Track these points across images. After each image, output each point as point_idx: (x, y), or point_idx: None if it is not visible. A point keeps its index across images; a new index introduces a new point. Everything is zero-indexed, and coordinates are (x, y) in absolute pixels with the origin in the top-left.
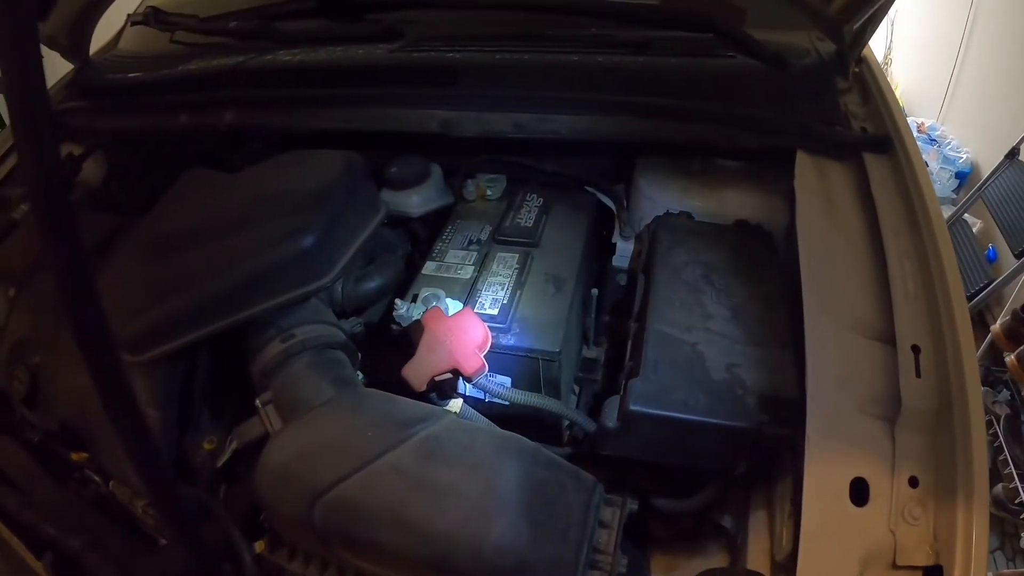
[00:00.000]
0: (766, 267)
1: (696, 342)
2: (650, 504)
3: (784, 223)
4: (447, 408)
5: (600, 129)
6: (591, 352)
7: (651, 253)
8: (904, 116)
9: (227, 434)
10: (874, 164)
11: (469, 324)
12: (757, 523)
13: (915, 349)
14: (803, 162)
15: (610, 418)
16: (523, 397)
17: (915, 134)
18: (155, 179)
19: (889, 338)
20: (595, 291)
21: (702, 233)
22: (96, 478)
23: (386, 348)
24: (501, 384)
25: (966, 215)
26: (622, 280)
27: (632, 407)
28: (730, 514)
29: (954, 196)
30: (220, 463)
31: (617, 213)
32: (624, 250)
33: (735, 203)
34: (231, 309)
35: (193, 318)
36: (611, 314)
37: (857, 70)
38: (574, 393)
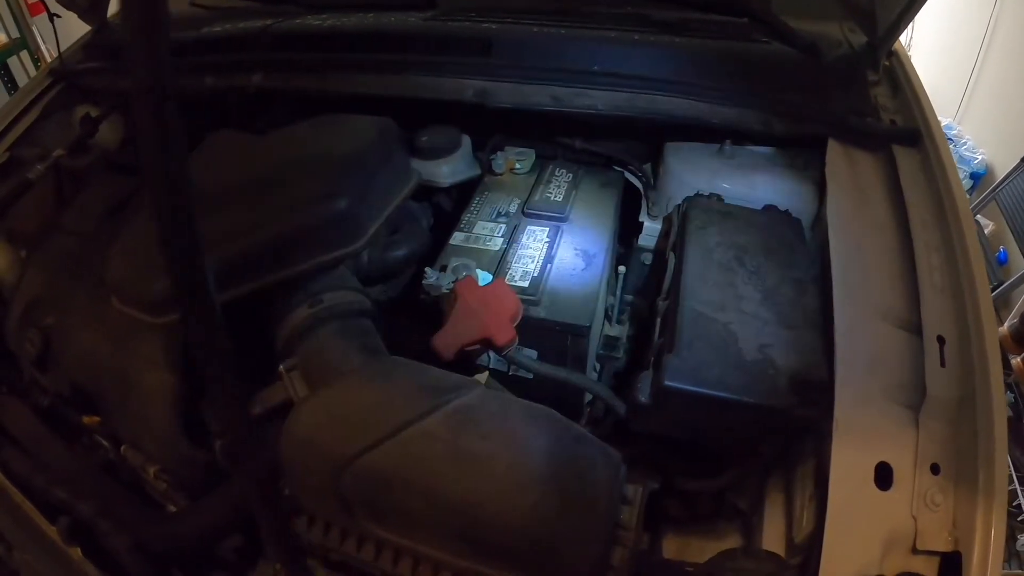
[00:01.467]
0: (796, 252)
1: (729, 321)
2: (672, 483)
3: (812, 211)
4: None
5: (636, 106)
6: (613, 330)
7: (682, 232)
8: (933, 110)
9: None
10: (903, 156)
11: (503, 294)
12: (773, 505)
13: (940, 340)
14: (834, 151)
15: (643, 393)
16: (555, 371)
17: None
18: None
19: (915, 328)
20: (622, 268)
21: (733, 215)
22: (105, 443)
23: (407, 320)
24: (529, 357)
25: (979, 216)
26: (647, 260)
27: (668, 382)
28: (746, 496)
29: (968, 197)
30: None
31: (644, 192)
32: (650, 230)
33: (764, 188)
34: (261, 271)
35: (220, 279)
36: (634, 293)
37: (887, 63)
38: (595, 371)
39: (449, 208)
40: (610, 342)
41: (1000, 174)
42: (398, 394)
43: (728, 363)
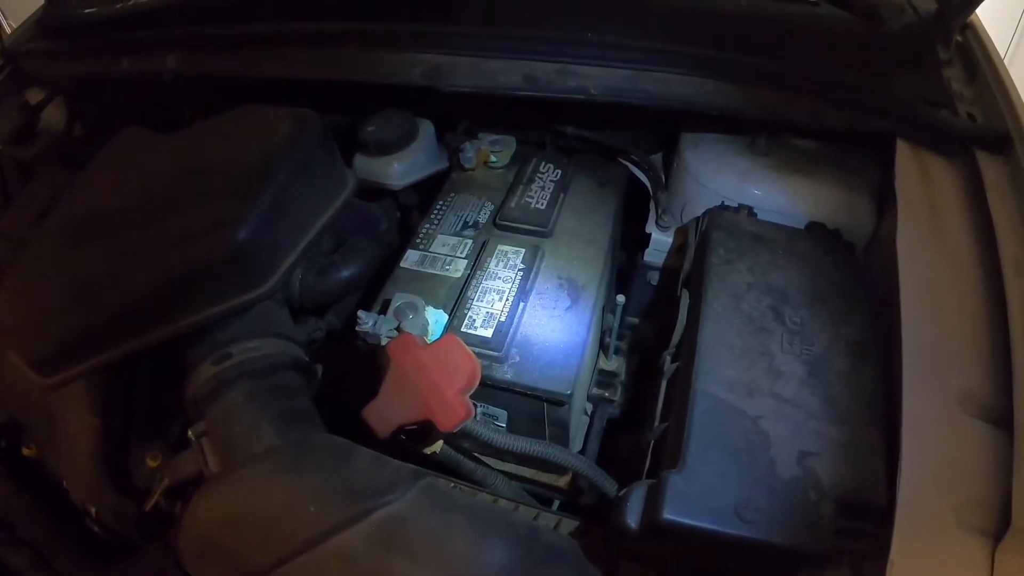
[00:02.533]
0: (851, 298)
1: (760, 415)
2: None
3: (867, 230)
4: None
5: (643, 88)
6: (610, 364)
7: (700, 263)
8: None
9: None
10: (990, 167)
11: (450, 359)
12: None
13: None
14: (904, 156)
15: (633, 516)
16: (526, 445)
17: None
18: (113, 130)
19: (1003, 419)
20: (621, 298)
21: (769, 240)
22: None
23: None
24: (493, 422)
25: None
26: (653, 279)
27: (667, 516)
28: None
29: None
30: (148, 506)
31: (654, 194)
32: (660, 243)
33: (809, 197)
34: (145, 325)
35: (101, 337)
36: (638, 316)
37: (960, 38)
38: (586, 414)
39: (415, 204)
40: (605, 378)
41: None
42: (313, 495)
43: (755, 483)
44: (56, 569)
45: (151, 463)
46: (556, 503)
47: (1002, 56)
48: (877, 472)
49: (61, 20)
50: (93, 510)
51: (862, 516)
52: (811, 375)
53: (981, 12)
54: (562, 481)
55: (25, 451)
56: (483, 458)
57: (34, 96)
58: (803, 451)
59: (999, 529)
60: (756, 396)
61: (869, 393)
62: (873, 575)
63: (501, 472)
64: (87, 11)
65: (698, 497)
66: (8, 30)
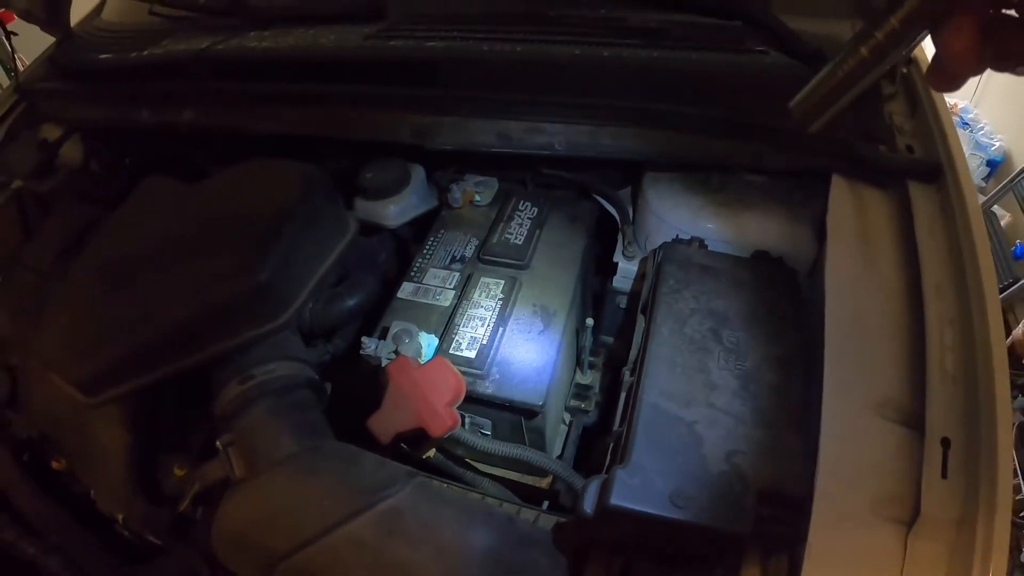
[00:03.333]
0: (785, 320)
1: (695, 420)
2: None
3: (810, 256)
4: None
5: (601, 143)
6: (585, 378)
7: (654, 291)
8: (957, 136)
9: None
10: (920, 197)
11: (439, 377)
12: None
13: (945, 443)
14: (839, 189)
15: (589, 504)
16: (507, 449)
17: None
18: (130, 171)
19: (917, 423)
20: (590, 321)
21: (715, 271)
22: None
23: (356, 379)
24: (478, 430)
25: (995, 207)
26: (623, 303)
27: (613, 501)
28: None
29: (983, 184)
30: (182, 508)
31: (621, 227)
32: (626, 271)
33: (756, 229)
34: (179, 353)
35: (142, 362)
36: (610, 335)
37: (905, 71)
38: (564, 423)
39: (410, 237)
40: (581, 391)
41: (1019, 163)
42: (326, 492)
43: (688, 477)
44: (87, 572)
45: (178, 472)
46: (546, 504)
47: (978, 79)
48: (796, 468)
49: (77, 63)
50: (120, 517)
51: (782, 505)
52: (743, 387)
53: None
54: (544, 483)
55: (55, 464)
56: (475, 463)
57: (50, 131)
58: (731, 450)
59: (911, 519)
60: (693, 405)
61: (794, 403)
62: (801, 563)
63: (490, 476)
64: (103, 56)
65: (639, 487)
66: (21, 66)
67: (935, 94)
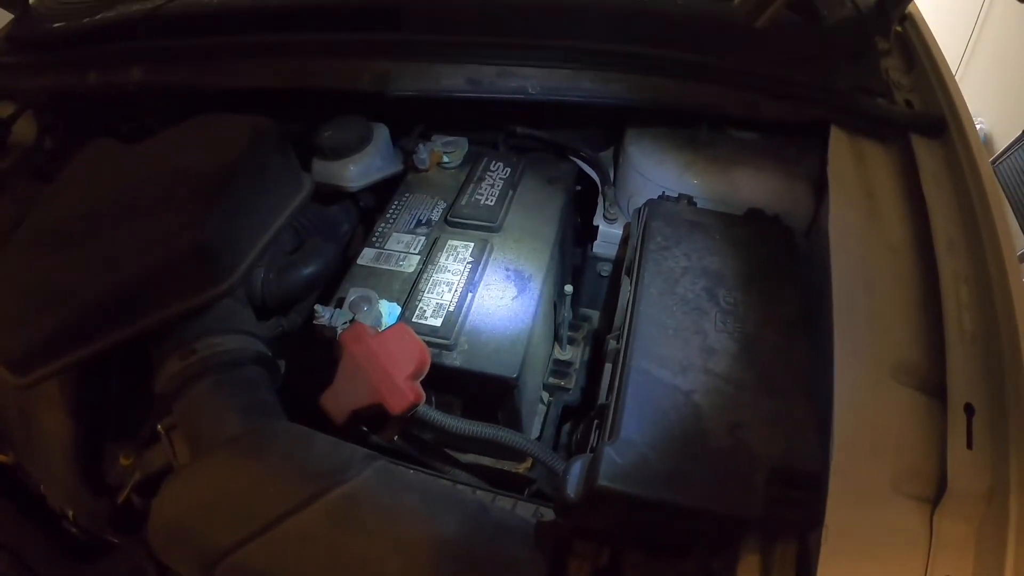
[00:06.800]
0: (786, 279)
1: (692, 389)
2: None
3: (807, 215)
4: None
5: (581, 87)
6: (564, 353)
7: (641, 250)
8: (959, 90)
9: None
10: (924, 151)
11: (400, 346)
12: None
13: (968, 409)
14: (838, 142)
15: (572, 487)
16: (474, 428)
17: None
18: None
19: (937, 389)
20: (569, 288)
21: (706, 227)
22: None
23: (314, 354)
24: (448, 407)
25: None
26: (605, 270)
27: (601, 483)
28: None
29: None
30: (121, 499)
31: (601, 189)
32: (608, 235)
33: (748, 186)
34: (115, 323)
35: (75, 334)
36: (593, 307)
37: (900, 28)
38: (543, 402)
39: (373, 205)
40: (560, 368)
41: (1000, 145)
42: (273, 477)
43: (686, 453)
44: (35, 570)
45: (124, 461)
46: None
47: (962, 53)
48: (809, 442)
49: (30, 34)
50: (70, 513)
51: (795, 484)
52: (744, 352)
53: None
54: (521, 468)
55: (1, 458)
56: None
57: (4, 110)
58: (734, 422)
59: (936, 495)
60: (689, 372)
61: (801, 368)
62: (815, 549)
63: (462, 462)
64: (55, 25)
65: (631, 466)
66: None
67: (935, 49)
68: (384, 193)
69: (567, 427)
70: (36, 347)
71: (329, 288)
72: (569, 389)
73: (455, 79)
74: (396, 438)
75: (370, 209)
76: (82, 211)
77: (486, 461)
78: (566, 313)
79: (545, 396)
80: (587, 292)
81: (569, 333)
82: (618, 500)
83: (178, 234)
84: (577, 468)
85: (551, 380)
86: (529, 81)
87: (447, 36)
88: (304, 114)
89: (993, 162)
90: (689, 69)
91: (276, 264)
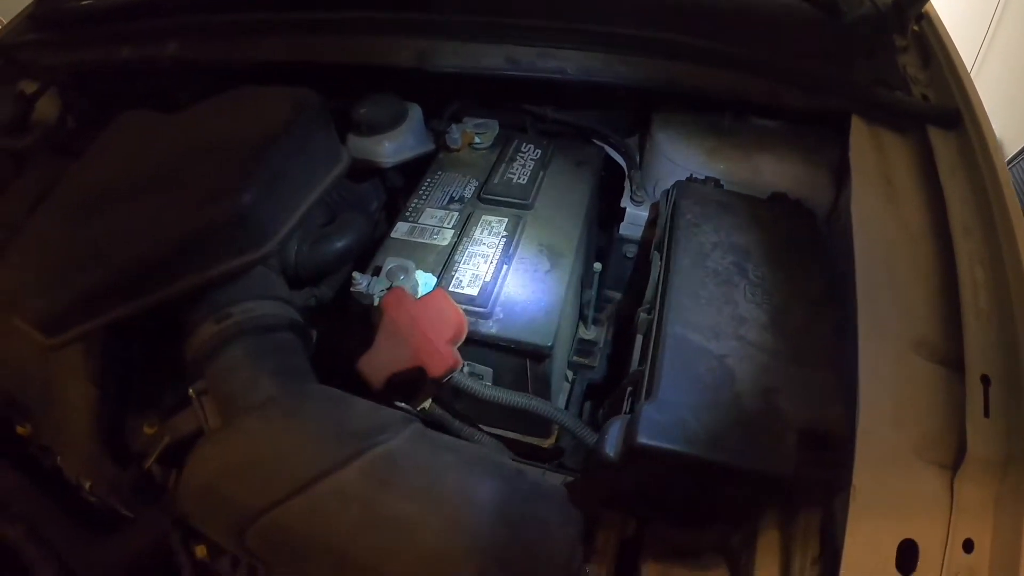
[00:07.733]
0: (811, 257)
1: (725, 354)
2: (649, 529)
3: (827, 201)
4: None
5: (615, 70)
6: (589, 333)
7: (672, 228)
8: (974, 86)
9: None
10: (940, 141)
11: (439, 311)
12: (767, 552)
13: (985, 380)
14: (859, 131)
15: (611, 446)
16: (511, 397)
17: None
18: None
19: (955, 363)
20: (598, 265)
21: (733, 207)
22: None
23: (347, 325)
24: (479, 378)
25: None
26: (630, 252)
27: (641, 440)
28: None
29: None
30: (147, 465)
31: (628, 172)
32: (634, 217)
33: (771, 172)
34: (152, 284)
35: (109, 295)
36: (615, 289)
37: (916, 27)
38: (567, 380)
39: (402, 185)
40: (585, 347)
41: (1011, 150)
42: (309, 438)
43: (722, 413)
44: (51, 541)
45: (148, 430)
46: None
47: (974, 58)
48: (837, 408)
49: (55, 13)
50: (87, 484)
51: (824, 446)
52: (772, 322)
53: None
54: (547, 443)
55: (19, 430)
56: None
57: (27, 88)
58: (767, 387)
59: (956, 461)
60: (722, 338)
61: (827, 341)
62: (841, 512)
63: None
64: (83, 3)
65: (669, 424)
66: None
67: (950, 47)
68: (411, 174)
69: (588, 405)
70: (68, 307)
71: (360, 263)
72: (594, 367)
73: (495, 58)
74: (429, 405)
75: (396, 189)
76: (116, 179)
77: (511, 436)
78: (592, 295)
79: (569, 374)
80: (611, 275)
81: (594, 314)
82: (657, 457)
83: (219, 198)
84: (616, 427)
85: (575, 358)
86: (568, 63)
87: (484, 17)
88: (337, 91)
89: (1007, 164)
90: (716, 57)
91: (309, 236)
